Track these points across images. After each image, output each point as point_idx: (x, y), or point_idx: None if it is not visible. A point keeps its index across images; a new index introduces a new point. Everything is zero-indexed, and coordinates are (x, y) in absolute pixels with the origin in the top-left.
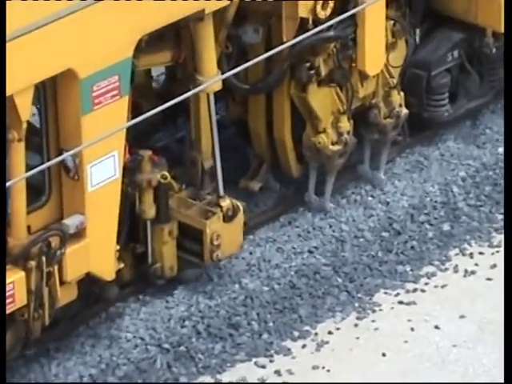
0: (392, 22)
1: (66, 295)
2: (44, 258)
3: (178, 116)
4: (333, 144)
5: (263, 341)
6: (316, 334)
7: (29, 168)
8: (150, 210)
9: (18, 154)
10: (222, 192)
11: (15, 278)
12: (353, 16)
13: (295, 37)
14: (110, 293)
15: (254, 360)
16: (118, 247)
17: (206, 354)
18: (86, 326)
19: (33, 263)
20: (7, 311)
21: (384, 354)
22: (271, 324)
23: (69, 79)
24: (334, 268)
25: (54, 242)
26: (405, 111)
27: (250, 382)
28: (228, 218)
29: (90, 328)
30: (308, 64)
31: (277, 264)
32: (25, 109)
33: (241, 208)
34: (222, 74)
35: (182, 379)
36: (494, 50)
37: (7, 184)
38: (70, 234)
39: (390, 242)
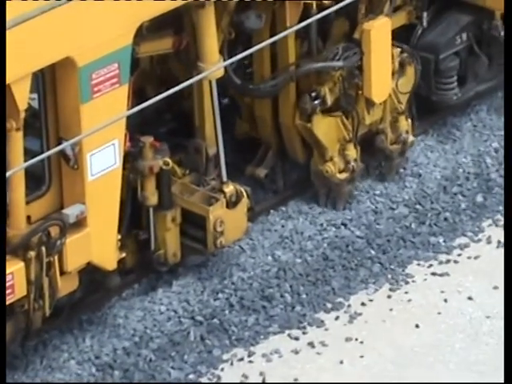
0: (399, 49)
1: (67, 285)
2: (44, 248)
3: (182, 102)
4: (340, 172)
5: (296, 313)
6: (349, 305)
7: (29, 155)
8: (152, 197)
9: (16, 143)
10: (225, 178)
11: (15, 268)
12: (359, 44)
13: (299, 22)
14: (112, 282)
15: (287, 332)
16: (120, 236)
17: (240, 327)
18: (119, 298)
19: (32, 253)
20: (7, 302)
21: (417, 326)
22: (304, 296)
23: (67, 67)
24: (367, 240)
25: (54, 231)
26: (411, 138)
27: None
28: (231, 204)
29: (123, 300)
30: (313, 94)
31: (309, 236)
32: (22, 98)
33: (244, 194)
34: (225, 60)
35: (216, 351)
36: (502, 33)
37: (6, 174)
38: (70, 224)
39: (423, 214)
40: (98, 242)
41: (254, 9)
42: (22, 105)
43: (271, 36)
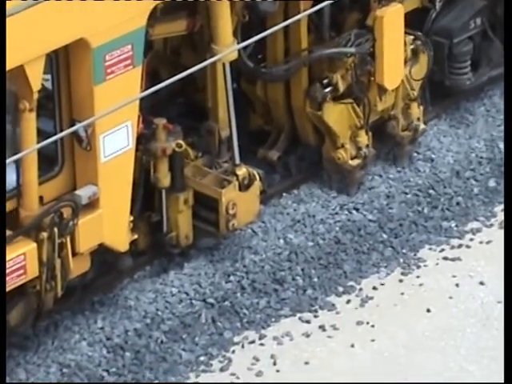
0: (412, 36)
1: (79, 266)
2: (56, 229)
3: (196, 84)
4: (352, 158)
5: (308, 296)
6: (360, 289)
7: (42, 136)
8: (164, 179)
9: (29, 124)
10: (237, 161)
11: (27, 249)
12: (371, 31)
13: (313, 6)
14: (125, 263)
15: (298, 315)
16: (132, 218)
17: (251, 309)
18: (131, 280)
19: (45, 234)
20: (19, 283)
21: (428, 310)
22: (316, 279)
23: (81, 49)
24: (379, 224)
25: (67, 212)
26: (422, 126)
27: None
28: (244, 187)
29: (135, 281)
30: (325, 81)
31: (322, 219)
32: (36, 79)
33: (257, 177)
34: (239, 43)
35: (227, 334)
36: None
37: (19, 155)
38: (82, 205)
39: (435, 198)
40: (110, 224)
41: None
42: (36, 86)
43: (285, 19)
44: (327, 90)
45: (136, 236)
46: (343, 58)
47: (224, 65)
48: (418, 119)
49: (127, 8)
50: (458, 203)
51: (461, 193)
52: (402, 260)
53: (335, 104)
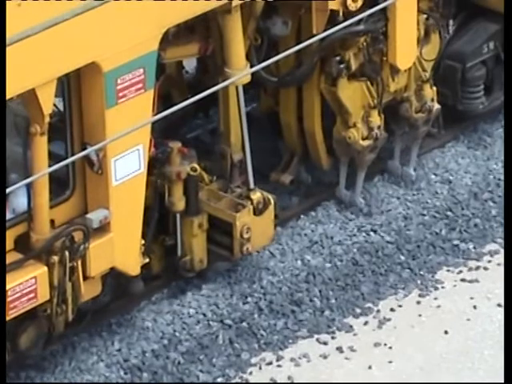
0: (425, 15)
1: (90, 290)
2: (67, 253)
3: (211, 107)
4: (363, 139)
5: (325, 317)
6: (378, 311)
7: (54, 158)
8: (179, 203)
9: (40, 147)
10: (252, 185)
11: (38, 273)
12: (384, 9)
13: (325, 29)
14: (136, 288)
15: (315, 336)
16: (144, 241)
17: (268, 331)
18: (148, 301)
19: (56, 258)
20: (29, 307)
21: (446, 332)
22: (333, 301)
23: (93, 72)
24: (397, 245)
25: (78, 236)
26: (437, 106)
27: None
28: (258, 211)
29: (152, 303)
30: (338, 58)
31: (339, 241)
32: (47, 102)
33: (272, 201)
34: (252, 66)
35: (244, 355)
36: None
37: (30, 179)
38: (93, 229)
39: (453, 220)
40: (121, 248)
41: (281, 15)
42: (47, 109)
43: (297, 42)
44: (342, 65)
45: (148, 260)
46: (355, 37)
47: (237, 88)
48: (432, 100)
49: (139, 32)
50: (475, 225)
51: (479, 214)
52: (419, 282)
53: (350, 81)
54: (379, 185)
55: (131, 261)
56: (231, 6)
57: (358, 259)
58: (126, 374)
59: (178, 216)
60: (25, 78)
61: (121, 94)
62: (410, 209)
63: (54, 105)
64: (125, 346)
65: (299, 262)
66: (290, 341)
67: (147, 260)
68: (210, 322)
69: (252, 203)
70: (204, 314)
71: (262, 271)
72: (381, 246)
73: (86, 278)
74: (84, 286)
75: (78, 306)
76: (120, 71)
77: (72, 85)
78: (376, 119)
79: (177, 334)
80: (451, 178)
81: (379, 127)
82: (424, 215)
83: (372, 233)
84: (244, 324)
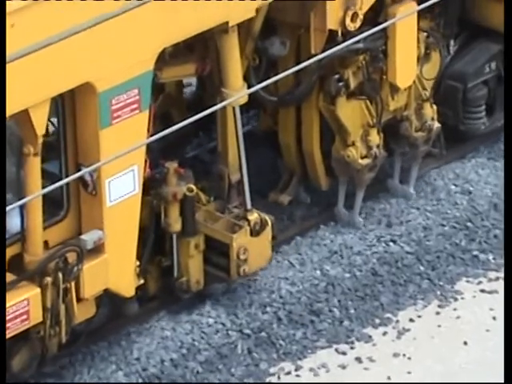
0: (425, 33)
1: (84, 312)
2: (60, 275)
3: (211, 125)
4: (362, 158)
5: (344, 327)
6: (397, 321)
7: (48, 177)
8: (175, 224)
9: (33, 168)
10: (249, 206)
11: (30, 294)
12: (383, 27)
13: (324, 49)
14: (130, 309)
15: (334, 347)
16: (140, 263)
17: (287, 340)
18: (168, 311)
19: (49, 279)
20: (22, 328)
21: (465, 343)
22: (352, 311)
23: (87, 93)
24: (416, 256)
25: (71, 257)
26: (437, 125)
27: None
28: (255, 232)
29: (171, 313)
30: (337, 76)
31: (359, 251)
32: (40, 123)
33: (269, 222)
34: (250, 86)
35: (263, 365)
36: None
37: (22, 201)
38: (87, 250)
39: (473, 231)
40: (115, 269)
41: (279, 35)
42: (40, 130)
43: (296, 61)
44: (341, 84)
45: (143, 281)
46: (354, 56)
47: (234, 108)
48: (432, 119)
49: (134, 52)
50: (495, 236)
51: (498, 225)
52: (439, 292)
53: (349, 100)
54: (399, 195)
55: (126, 282)
56: (228, 26)
57: (378, 269)
58: (144, 383)
59: (174, 237)
60: (18, 98)
61: (115, 115)
62: (430, 219)
63: (51, 123)
64: (144, 355)
65: (318, 272)
66: (309, 351)
67: (142, 281)
68: (229, 332)
69: (249, 224)
70: (223, 324)
71: (281, 281)
72: (400, 256)
73: (79, 299)
74: (78, 307)
75: (71, 327)
76: (115, 91)
77: (66, 105)
78: (375, 138)
79: (196, 343)
80: (471, 188)
81: (378, 146)
82: (444, 226)
83: (392, 243)
84: (263, 334)
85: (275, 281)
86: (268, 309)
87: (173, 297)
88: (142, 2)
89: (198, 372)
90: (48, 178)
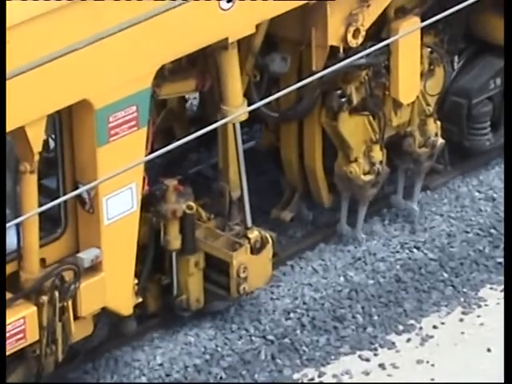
0: (429, 49)
1: (81, 330)
2: (57, 293)
3: (213, 141)
4: (365, 174)
5: (368, 334)
6: (421, 328)
7: (45, 193)
8: (175, 241)
9: (30, 186)
10: (249, 223)
11: (26, 312)
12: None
13: (326, 65)
14: (128, 327)
15: (358, 353)
16: (138, 281)
17: (311, 347)
18: (191, 317)
19: (45, 298)
20: (18, 347)
21: (489, 350)
22: (376, 317)
23: (84, 110)
24: (440, 263)
25: (68, 275)
26: (441, 141)
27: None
28: (256, 250)
29: (195, 318)
30: (339, 92)
31: (382, 257)
32: (37, 140)
33: (269, 240)
34: (251, 102)
35: (286, 371)
36: None
37: (19, 219)
38: (84, 268)
39: (497, 238)
40: (113, 287)
41: (280, 51)
42: (37, 147)
43: (298, 77)
44: (343, 99)
45: (141, 299)
46: (357, 71)
47: (234, 125)
48: (436, 135)
49: (131, 69)
50: None
51: None
52: (462, 299)
53: (351, 115)
54: (423, 201)
55: (123, 300)
56: (228, 43)
57: (401, 276)
58: None
59: (173, 254)
60: (14, 115)
61: (113, 132)
62: (454, 226)
63: (52, 138)
64: (167, 361)
65: (342, 279)
66: (332, 357)
67: (140, 299)
68: (253, 338)
69: (249, 242)
70: (246, 330)
71: (304, 287)
72: (424, 263)
73: (76, 317)
74: (75, 325)
75: (68, 346)
76: (112, 108)
77: (63, 122)
78: (378, 154)
79: (219, 349)
80: (495, 195)
81: (381, 162)
82: (468, 232)
83: (415, 250)
84: (286, 340)
85: (298, 287)
86: (291, 315)
87: (172, 315)
88: (140, 20)
89: (221, 378)
90: (48, 193)
